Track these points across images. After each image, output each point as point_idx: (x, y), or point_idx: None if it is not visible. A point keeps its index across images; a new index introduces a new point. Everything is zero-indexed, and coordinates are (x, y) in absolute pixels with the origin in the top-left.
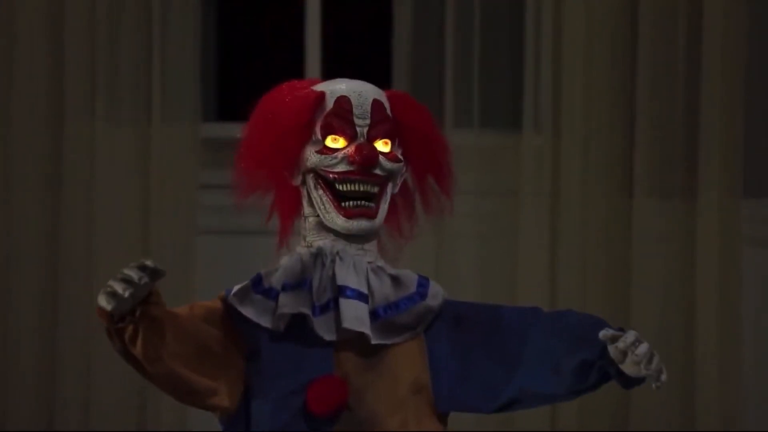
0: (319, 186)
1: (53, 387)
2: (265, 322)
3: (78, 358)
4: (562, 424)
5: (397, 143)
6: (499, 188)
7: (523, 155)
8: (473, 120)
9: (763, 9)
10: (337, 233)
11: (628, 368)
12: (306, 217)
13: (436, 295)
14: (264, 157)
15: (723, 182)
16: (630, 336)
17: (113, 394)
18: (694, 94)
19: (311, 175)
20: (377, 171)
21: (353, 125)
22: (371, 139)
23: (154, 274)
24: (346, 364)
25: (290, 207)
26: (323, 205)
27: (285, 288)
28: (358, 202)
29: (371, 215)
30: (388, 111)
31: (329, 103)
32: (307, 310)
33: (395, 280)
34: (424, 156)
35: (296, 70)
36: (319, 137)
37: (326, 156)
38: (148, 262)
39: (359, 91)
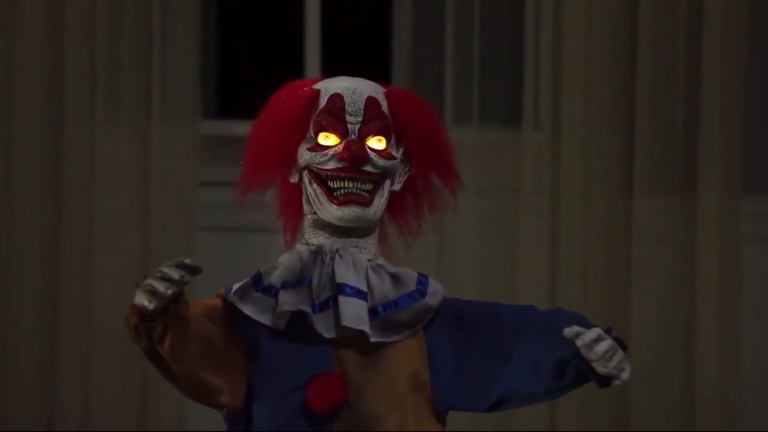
0: (313, 181)
1: (53, 387)
2: (266, 320)
3: (78, 358)
4: (561, 424)
5: (393, 140)
6: (499, 185)
7: (523, 152)
8: (473, 117)
9: (763, 9)
10: (332, 230)
11: (597, 366)
12: (305, 215)
13: (435, 293)
14: (262, 156)
15: (723, 180)
16: (590, 333)
17: (113, 394)
18: (694, 92)
19: (306, 172)
20: (368, 168)
21: (345, 122)
22: (363, 136)
23: (194, 271)
24: (346, 362)
25: (293, 205)
26: (317, 198)
27: (285, 286)
28: (349, 189)
29: (364, 202)
30: (384, 108)
31: (323, 101)
32: (307, 308)
33: (395, 278)
34: (426, 153)
35: (296, 68)
36: (312, 135)
37: (317, 153)
38: (188, 260)
39: (353, 89)
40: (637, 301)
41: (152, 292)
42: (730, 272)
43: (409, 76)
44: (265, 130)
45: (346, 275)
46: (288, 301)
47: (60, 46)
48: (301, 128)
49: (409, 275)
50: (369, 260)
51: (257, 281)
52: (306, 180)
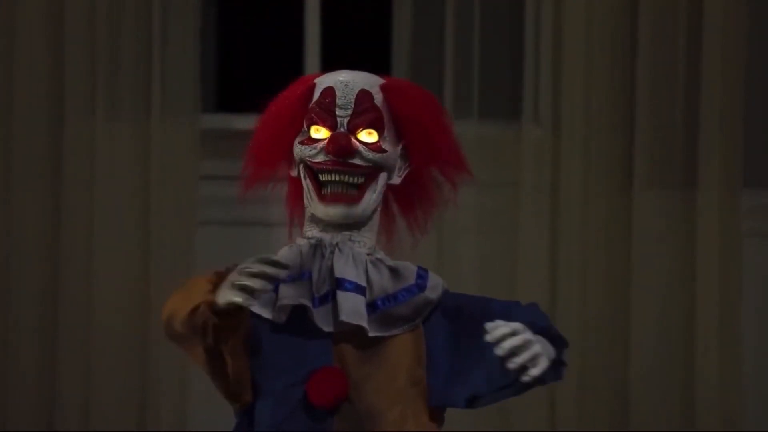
0: (306, 176)
1: (53, 387)
2: (266, 313)
3: (78, 358)
4: (561, 424)
5: (386, 133)
6: (499, 181)
7: (523, 148)
8: (473, 112)
9: (763, 9)
10: (325, 224)
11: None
12: (305, 208)
13: (435, 287)
14: (264, 150)
15: (723, 175)
16: (501, 329)
17: (113, 394)
18: (694, 88)
19: (301, 166)
20: (356, 161)
21: (334, 115)
22: (352, 129)
23: (284, 269)
24: (345, 356)
25: (298, 199)
26: (309, 193)
27: (285, 279)
28: (337, 188)
29: (350, 201)
30: (378, 101)
31: (316, 94)
32: (307, 302)
33: (394, 272)
34: (424, 147)
35: (296, 62)
36: (305, 128)
37: (307, 146)
38: (276, 257)
39: (346, 82)
40: (636, 298)
41: (243, 289)
42: (730, 268)
43: (408, 66)
44: (266, 125)
45: (345, 270)
46: (288, 294)
47: (60, 42)
48: (298, 122)
49: (409, 269)
50: (368, 254)
51: None
52: (302, 174)
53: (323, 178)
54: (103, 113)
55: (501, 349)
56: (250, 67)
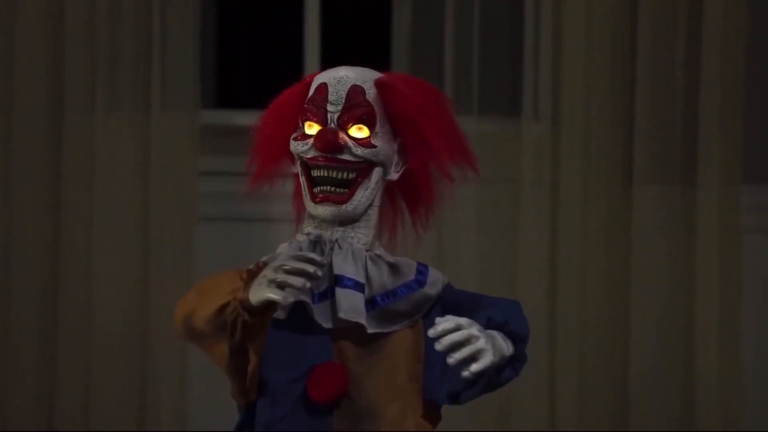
0: (302, 173)
1: (53, 387)
2: None
3: (78, 358)
4: (561, 424)
5: (378, 129)
6: (499, 176)
7: (523, 144)
8: (473, 107)
9: (763, 9)
10: (320, 221)
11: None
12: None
13: (435, 282)
14: (265, 147)
15: (723, 170)
16: (444, 324)
17: (113, 394)
18: (694, 84)
19: (299, 162)
20: (345, 157)
21: (325, 111)
22: (342, 124)
23: (322, 266)
24: (345, 352)
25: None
26: (304, 190)
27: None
28: (327, 188)
29: (339, 201)
30: (370, 97)
31: (311, 91)
32: (307, 298)
33: (393, 268)
34: (417, 144)
35: (295, 60)
36: (300, 124)
37: (301, 142)
38: (313, 255)
39: (339, 78)
40: (636, 296)
41: (283, 287)
42: (730, 265)
43: (408, 61)
44: (267, 122)
45: (344, 266)
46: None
47: (60, 36)
48: (295, 118)
49: (408, 265)
50: (367, 250)
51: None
52: (299, 170)
53: (315, 173)
54: (102, 109)
55: (440, 345)
56: (250, 63)
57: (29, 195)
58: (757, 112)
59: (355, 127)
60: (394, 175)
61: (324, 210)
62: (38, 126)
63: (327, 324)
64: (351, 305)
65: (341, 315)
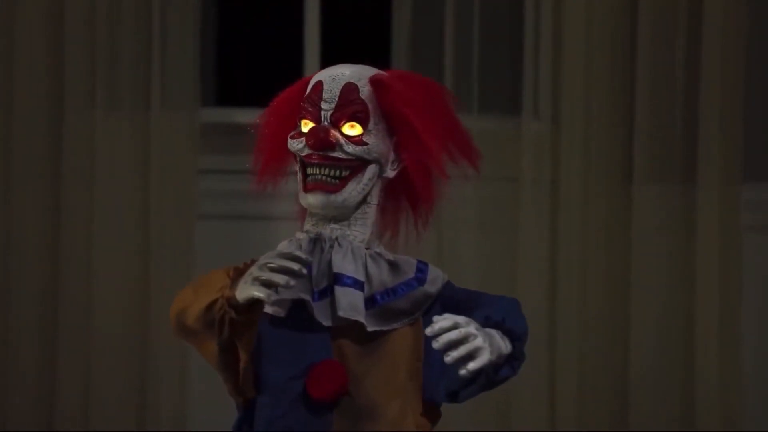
0: (299, 170)
1: (53, 387)
2: (266, 308)
3: (78, 358)
4: (561, 424)
5: (372, 126)
6: (499, 175)
7: (523, 142)
8: (473, 106)
9: (763, 9)
10: (318, 218)
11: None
12: None
13: (434, 280)
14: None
15: (723, 170)
16: (441, 323)
17: (113, 394)
18: (694, 82)
19: (298, 159)
20: (337, 154)
21: (319, 109)
22: (335, 122)
23: (306, 264)
24: (345, 350)
25: None
26: (298, 185)
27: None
28: (318, 176)
29: (330, 189)
30: (364, 95)
31: (308, 89)
32: (307, 296)
33: (393, 266)
34: (410, 140)
35: (295, 54)
36: (298, 122)
37: (296, 140)
38: (298, 253)
39: (334, 75)
40: (636, 295)
41: (268, 285)
42: (730, 263)
43: (408, 59)
44: (268, 121)
45: (343, 264)
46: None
47: (60, 36)
48: (294, 117)
49: (408, 263)
50: (367, 248)
51: None
52: (297, 167)
53: (309, 171)
54: (102, 107)
55: (437, 343)
56: (250, 63)
57: (29, 195)
58: (757, 112)
59: (347, 124)
60: (390, 173)
61: (314, 199)
62: (38, 126)
63: (327, 322)
64: (350, 303)
65: (340, 313)
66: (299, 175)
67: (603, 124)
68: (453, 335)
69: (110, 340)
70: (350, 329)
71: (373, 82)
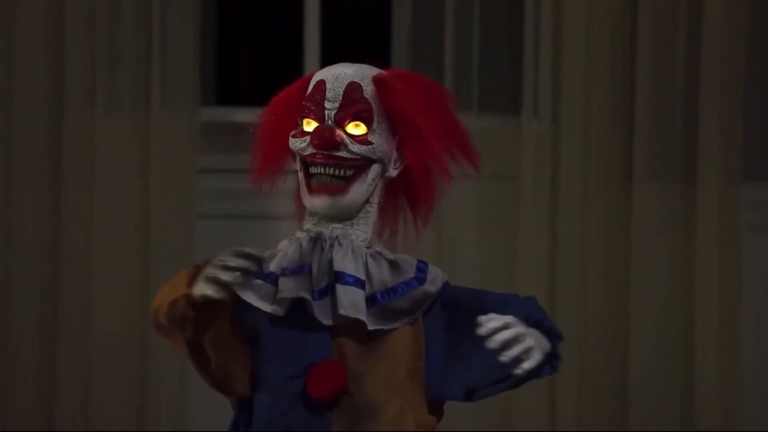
0: (300, 169)
1: (53, 387)
2: (265, 306)
3: (78, 358)
4: (561, 424)
5: (376, 126)
6: (499, 174)
7: (523, 141)
8: (473, 105)
9: (763, 9)
10: (320, 217)
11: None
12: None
13: (434, 279)
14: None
15: (722, 170)
16: (493, 323)
17: (113, 394)
18: (694, 82)
19: (298, 159)
20: (343, 154)
21: (323, 108)
22: (339, 121)
23: (258, 261)
24: (345, 350)
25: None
26: (302, 186)
27: (285, 272)
28: (323, 178)
29: (335, 191)
30: (368, 94)
31: (310, 88)
32: (307, 295)
33: (393, 265)
34: (414, 139)
35: (295, 53)
36: (299, 121)
37: (299, 139)
38: (250, 250)
39: (337, 75)
40: (636, 295)
41: (217, 282)
42: (729, 263)
43: (408, 58)
44: (268, 120)
45: (344, 263)
46: (288, 287)
47: (60, 36)
48: (294, 116)
49: (408, 263)
50: (368, 247)
51: None
52: (298, 167)
53: (312, 170)
54: (102, 107)
55: (493, 342)
56: (250, 62)
57: (29, 195)
58: (757, 112)
59: (352, 124)
60: (392, 172)
61: (320, 201)
62: (38, 126)
63: (328, 321)
64: (351, 302)
65: (342, 311)
66: (301, 175)
67: (603, 124)
68: (507, 335)
69: (110, 340)
70: (350, 328)
71: (376, 81)
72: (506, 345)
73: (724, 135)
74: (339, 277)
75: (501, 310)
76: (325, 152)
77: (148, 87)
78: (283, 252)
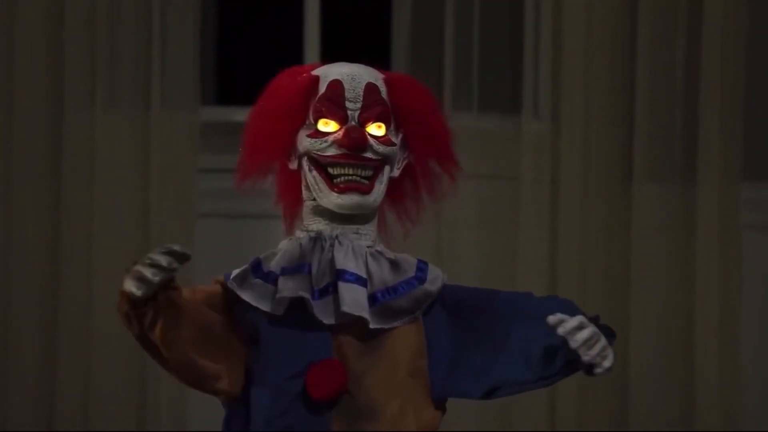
0: (313, 168)
1: (53, 387)
2: (265, 306)
3: (78, 358)
4: (561, 424)
5: (392, 127)
6: (499, 173)
7: (523, 141)
8: (473, 104)
9: (763, 9)
10: (332, 216)
11: (581, 354)
12: (304, 201)
13: (435, 279)
14: (260, 142)
15: (722, 169)
16: (572, 321)
17: (113, 394)
18: (694, 81)
19: (305, 158)
20: (368, 155)
21: (344, 109)
22: (363, 122)
23: (183, 258)
24: (345, 349)
25: (292, 191)
26: (317, 185)
27: (284, 272)
28: (351, 177)
29: (364, 190)
30: (383, 95)
31: (322, 87)
32: (306, 294)
33: (394, 265)
34: (424, 139)
35: (295, 52)
36: (312, 121)
37: (317, 140)
38: (176, 247)
39: (353, 75)
40: (636, 294)
41: (140, 279)
42: (729, 261)
43: (408, 58)
44: (263, 117)
45: (345, 262)
46: (287, 287)
47: (60, 36)
48: (300, 114)
49: (409, 262)
50: (369, 246)
51: (256, 267)
52: (306, 166)
53: (334, 171)
54: (102, 106)
55: (575, 341)
56: (250, 62)
57: (29, 195)
58: (757, 112)
59: (374, 125)
60: (396, 172)
61: (349, 199)
62: (38, 125)
63: (328, 320)
64: (354, 299)
65: (344, 309)
66: (317, 175)
67: (603, 124)
68: (585, 334)
69: (110, 340)
70: (350, 328)
71: (388, 82)
72: (586, 343)
73: (724, 135)
74: (340, 275)
75: (540, 309)
76: (353, 153)
77: (148, 87)
78: (283, 251)
